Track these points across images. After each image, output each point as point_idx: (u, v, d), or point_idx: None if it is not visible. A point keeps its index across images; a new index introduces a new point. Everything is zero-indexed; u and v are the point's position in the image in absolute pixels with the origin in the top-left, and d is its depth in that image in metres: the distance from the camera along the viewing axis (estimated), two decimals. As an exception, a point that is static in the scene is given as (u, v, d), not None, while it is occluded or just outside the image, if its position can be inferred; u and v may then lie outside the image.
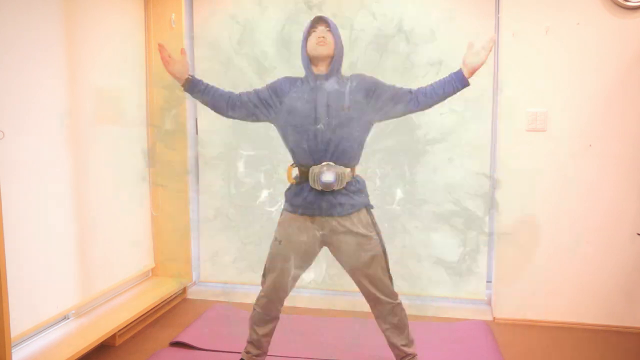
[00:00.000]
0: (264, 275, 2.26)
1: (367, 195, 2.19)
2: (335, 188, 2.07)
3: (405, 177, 3.37)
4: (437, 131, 3.31)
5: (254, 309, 2.29)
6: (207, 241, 3.72)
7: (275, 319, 2.30)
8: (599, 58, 2.89)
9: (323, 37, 2.11)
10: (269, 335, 2.32)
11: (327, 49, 2.12)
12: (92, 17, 2.90)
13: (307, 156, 2.10)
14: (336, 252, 2.19)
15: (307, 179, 2.10)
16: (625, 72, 2.88)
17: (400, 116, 2.22)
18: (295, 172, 2.16)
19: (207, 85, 2.21)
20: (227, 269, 3.68)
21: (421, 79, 3.23)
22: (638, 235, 2.93)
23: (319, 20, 2.16)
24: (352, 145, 2.11)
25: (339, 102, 2.09)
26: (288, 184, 2.22)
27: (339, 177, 2.06)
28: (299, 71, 3.77)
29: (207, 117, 3.62)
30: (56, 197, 2.65)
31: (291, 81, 2.19)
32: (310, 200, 2.10)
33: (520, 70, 2.98)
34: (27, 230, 2.46)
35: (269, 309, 2.26)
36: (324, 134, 2.07)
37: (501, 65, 3.04)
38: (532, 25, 2.94)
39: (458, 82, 2.14)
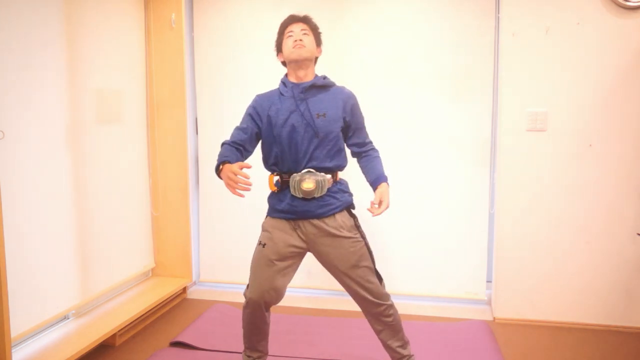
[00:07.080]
0: (248, 286, 2.16)
1: (350, 195, 2.17)
2: (316, 195, 2.05)
3: (406, 177, 3.37)
4: (437, 131, 3.31)
5: (243, 319, 2.21)
6: (207, 241, 3.72)
7: (265, 327, 2.21)
8: (599, 58, 2.89)
9: (300, 39, 2.03)
10: (264, 339, 2.26)
11: (306, 52, 2.04)
12: (92, 17, 2.91)
13: (288, 164, 2.08)
14: (321, 256, 2.15)
15: (288, 186, 2.07)
16: (625, 72, 2.88)
17: (342, 146, 2.15)
18: (276, 178, 2.12)
19: (224, 157, 2.08)
20: (227, 269, 3.69)
21: (420, 78, 3.26)
22: (638, 235, 2.93)
23: (295, 20, 2.08)
24: (331, 152, 2.09)
25: (318, 111, 2.06)
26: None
27: (319, 185, 2.04)
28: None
29: (207, 117, 3.62)
30: (56, 197, 2.66)
31: (268, 97, 2.14)
32: (293, 204, 2.08)
33: (520, 70, 2.98)
34: (27, 230, 2.46)
35: (255, 317, 2.15)
36: (304, 142, 2.05)
37: (501, 65, 3.04)
38: (532, 25, 2.94)
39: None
